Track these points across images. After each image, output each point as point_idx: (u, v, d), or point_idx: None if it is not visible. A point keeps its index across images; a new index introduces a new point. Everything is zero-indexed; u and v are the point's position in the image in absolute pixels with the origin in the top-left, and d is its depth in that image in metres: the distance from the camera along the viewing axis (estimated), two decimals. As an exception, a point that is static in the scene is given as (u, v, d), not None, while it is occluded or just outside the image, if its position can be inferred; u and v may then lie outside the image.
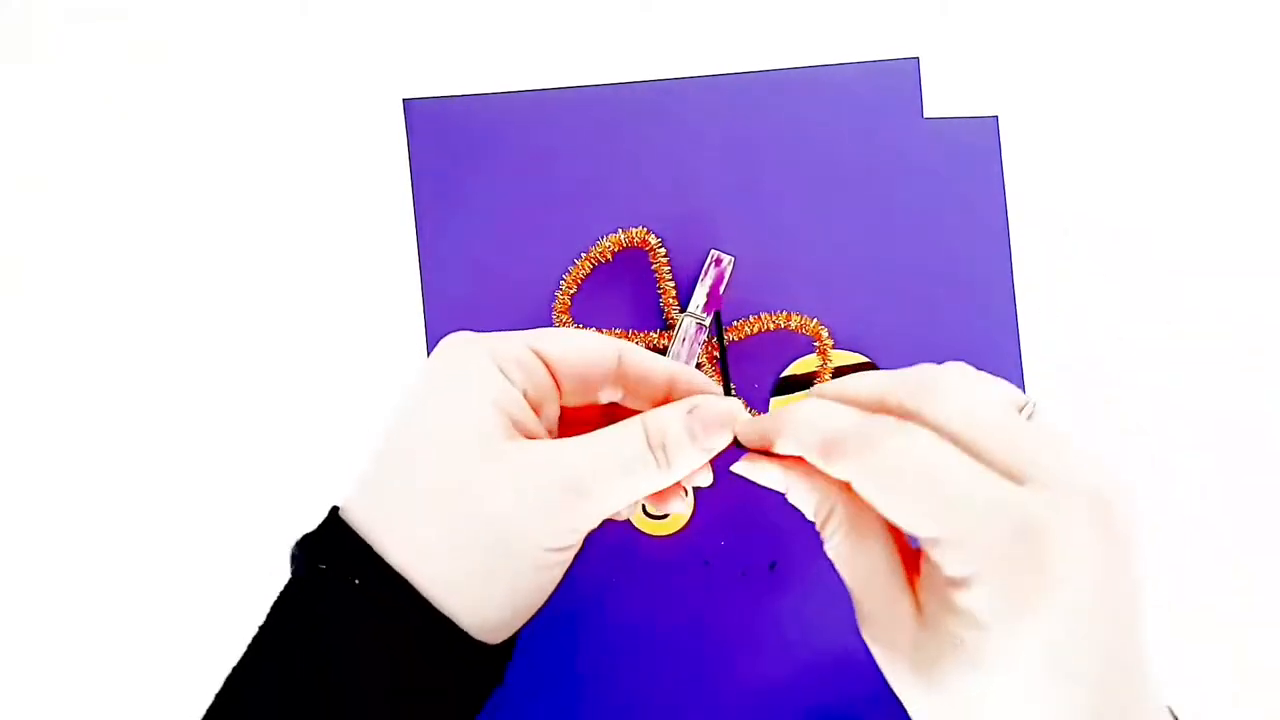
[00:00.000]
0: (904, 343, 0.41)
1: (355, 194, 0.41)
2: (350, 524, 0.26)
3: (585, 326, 0.40)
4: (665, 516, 0.40)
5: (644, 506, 0.40)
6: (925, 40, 0.42)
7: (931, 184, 0.41)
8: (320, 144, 0.42)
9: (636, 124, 0.41)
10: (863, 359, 0.41)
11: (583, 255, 0.40)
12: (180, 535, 0.41)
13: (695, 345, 0.39)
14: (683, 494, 0.30)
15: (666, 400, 0.29)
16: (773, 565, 0.40)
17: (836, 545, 0.26)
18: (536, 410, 0.27)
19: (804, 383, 0.40)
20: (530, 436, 0.27)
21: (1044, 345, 0.41)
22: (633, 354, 0.28)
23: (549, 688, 0.40)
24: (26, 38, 0.42)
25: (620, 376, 0.29)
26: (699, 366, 0.40)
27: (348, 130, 0.41)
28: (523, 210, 0.41)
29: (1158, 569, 0.41)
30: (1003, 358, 0.41)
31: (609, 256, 0.40)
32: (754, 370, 0.40)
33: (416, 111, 0.41)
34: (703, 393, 0.28)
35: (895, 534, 0.26)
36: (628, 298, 0.41)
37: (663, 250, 0.40)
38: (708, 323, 0.39)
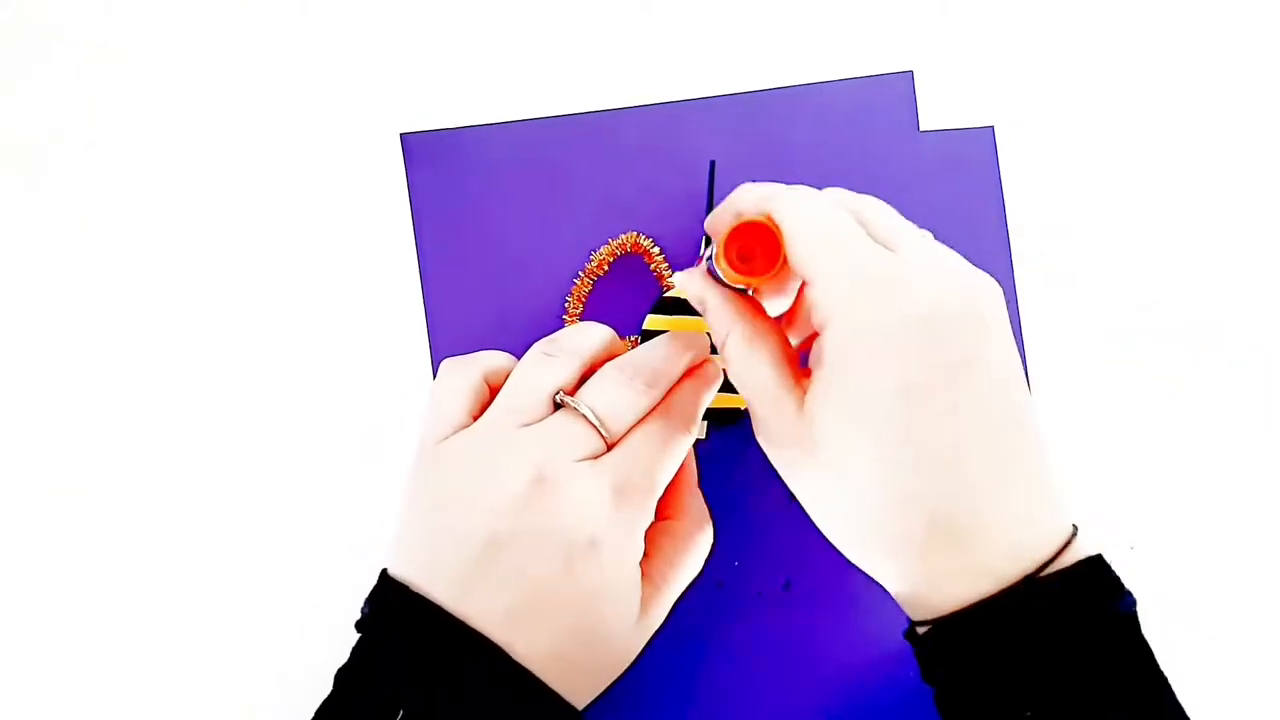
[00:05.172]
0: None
1: (357, 229, 0.42)
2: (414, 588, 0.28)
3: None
4: (678, 539, 0.40)
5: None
6: (918, 54, 0.42)
7: (929, 197, 0.41)
8: (322, 181, 0.42)
9: (632, 148, 0.41)
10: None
11: (581, 273, 0.40)
12: (178, 573, 0.41)
13: None
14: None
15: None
16: (787, 584, 0.40)
17: (736, 348, 0.30)
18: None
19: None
20: None
21: (1045, 355, 0.41)
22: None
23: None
24: (20, 64, 0.42)
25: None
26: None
27: (348, 167, 0.42)
28: (523, 236, 0.41)
29: (1158, 571, 0.41)
30: (1008, 367, 0.41)
31: (605, 269, 0.40)
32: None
33: (414, 145, 0.41)
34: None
35: (785, 347, 0.30)
36: (635, 304, 0.41)
37: (657, 249, 0.40)
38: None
